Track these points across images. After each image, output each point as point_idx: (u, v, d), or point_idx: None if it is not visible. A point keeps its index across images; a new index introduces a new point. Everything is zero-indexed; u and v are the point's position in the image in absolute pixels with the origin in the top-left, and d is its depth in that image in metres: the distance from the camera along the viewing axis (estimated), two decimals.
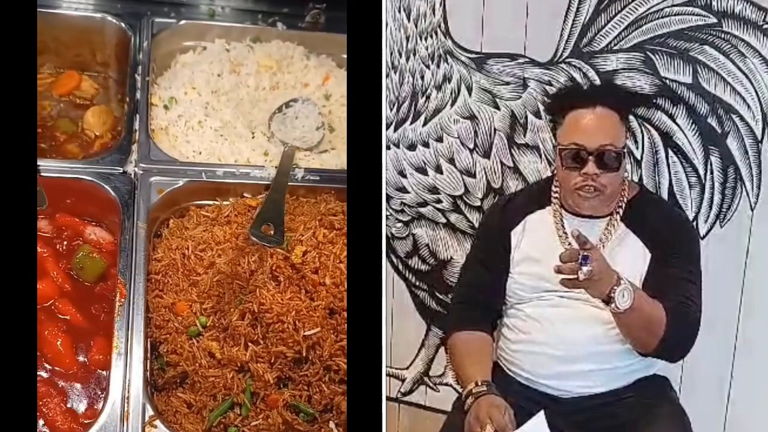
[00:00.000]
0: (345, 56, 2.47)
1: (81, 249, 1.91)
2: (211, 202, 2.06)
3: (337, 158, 2.21)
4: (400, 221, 2.23)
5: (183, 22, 2.44)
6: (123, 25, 2.36)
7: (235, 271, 1.84)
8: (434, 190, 2.17)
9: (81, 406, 1.71)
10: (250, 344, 1.76)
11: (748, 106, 1.88)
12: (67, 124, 2.23)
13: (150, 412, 1.66)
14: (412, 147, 2.15)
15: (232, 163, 2.14)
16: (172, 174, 2.05)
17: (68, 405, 1.70)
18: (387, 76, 2.10)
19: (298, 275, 1.81)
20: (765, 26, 1.82)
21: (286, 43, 2.47)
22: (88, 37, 2.37)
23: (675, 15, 1.89)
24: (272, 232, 1.77)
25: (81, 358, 1.77)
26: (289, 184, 2.01)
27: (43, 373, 1.72)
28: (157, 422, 1.66)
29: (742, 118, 1.89)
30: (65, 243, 1.95)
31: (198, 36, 2.45)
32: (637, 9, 1.91)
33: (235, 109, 2.29)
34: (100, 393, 1.72)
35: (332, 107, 2.38)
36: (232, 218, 2.00)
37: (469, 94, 2.09)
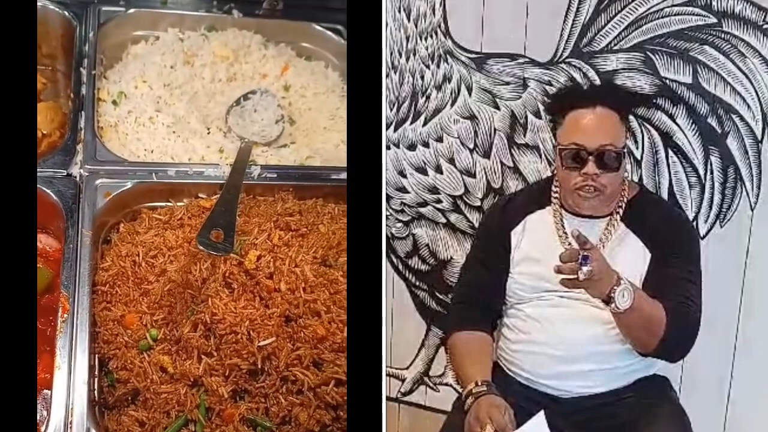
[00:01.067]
0: (304, 44, 2.43)
1: None
2: (164, 204, 1.95)
3: (296, 153, 2.14)
4: (400, 221, 2.23)
5: (132, 10, 2.31)
6: (67, 14, 2.22)
7: (186, 280, 1.74)
8: (434, 190, 2.17)
9: None
10: (203, 357, 1.67)
11: (748, 106, 1.88)
12: None
13: None
14: (412, 147, 2.15)
15: (186, 161, 2.02)
16: (120, 175, 1.91)
17: None
18: (387, 76, 2.10)
19: (252, 282, 1.72)
20: (765, 26, 1.82)
21: (243, 32, 2.37)
22: None
23: (675, 15, 1.89)
24: (222, 238, 1.67)
25: None
26: (243, 182, 1.92)
27: None
28: None
29: (742, 118, 1.89)
30: None
31: (150, 25, 2.33)
32: (637, 9, 1.91)
33: (189, 103, 2.18)
34: (46, 415, 1.56)
35: (292, 99, 2.30)
36: (186, 221, 1.89)
37: (469, 94, 2.09)
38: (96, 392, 1.65)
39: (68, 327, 1.64)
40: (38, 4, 2.19)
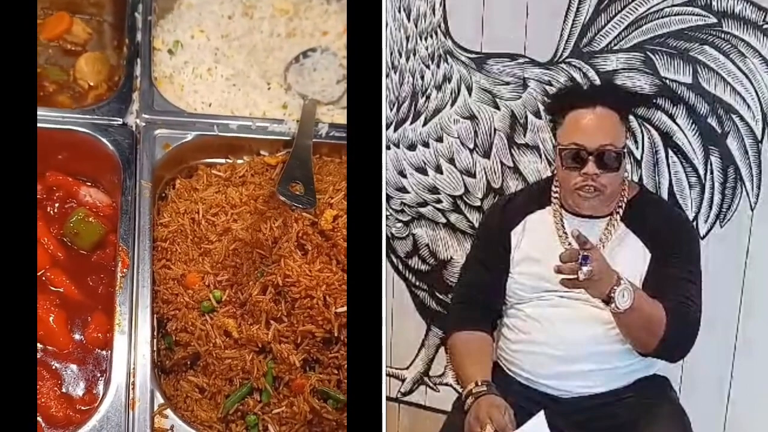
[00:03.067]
0: None
1: (75, 212, 1.68)
2: (222, 161, 1.85)
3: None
4: (400, 221, 2.23)
5: None
6: None
7: (256, 239, 1.62)
8: (434, 190, 2.17)
9: (78, 391, 1.50)
10: (272, 322, 1.57)
11: (748, 106, 1.88)
12: (56, 72, 1.97)
13: (159, 399, 1.47)
14: (412, 147, 2.15)
15: (247, 116, 1.92)
16: (180, 127, 1.82)
17: (63, 389, 1.49)
18: (387, 76, 2.10)
19: (328, 243, 1.61)
20: (765, 26, 1.82)
21: None
22: None
23: (675, 15, 1.89)
24: (302, 192, 1.57)
25: (77, 336, 1.56)
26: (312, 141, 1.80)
27: None
28: (168, 411, 1.47)
29: (742, 118, 1.89)
30: (57, 205, 1.72)
31: None
32: (637, 9, 1.91)
33: (248, 56, 2.07)
34: (99, 376, 1.51)
35: None
36: (249, 179, 1.79)
37: (469, 94, 2.09)
38: (155, 354, 1.57)
39: (128, 283, 1.56)
40: None
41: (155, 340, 1.58)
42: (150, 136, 1.79)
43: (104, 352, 1.53)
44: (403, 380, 2.36)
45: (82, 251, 1.69)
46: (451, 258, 2.21)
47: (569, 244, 1.73)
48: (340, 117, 1.99)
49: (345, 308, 1.55)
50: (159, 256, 1.68)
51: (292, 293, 1.57)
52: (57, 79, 1.96)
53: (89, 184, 1.77)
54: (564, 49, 1.99)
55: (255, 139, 1.87)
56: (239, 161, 1.85)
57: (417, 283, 2.28)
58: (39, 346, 1.52)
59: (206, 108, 1.96)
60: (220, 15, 2.14)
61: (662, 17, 1.90)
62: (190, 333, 1.59)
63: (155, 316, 1.60)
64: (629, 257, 1.73)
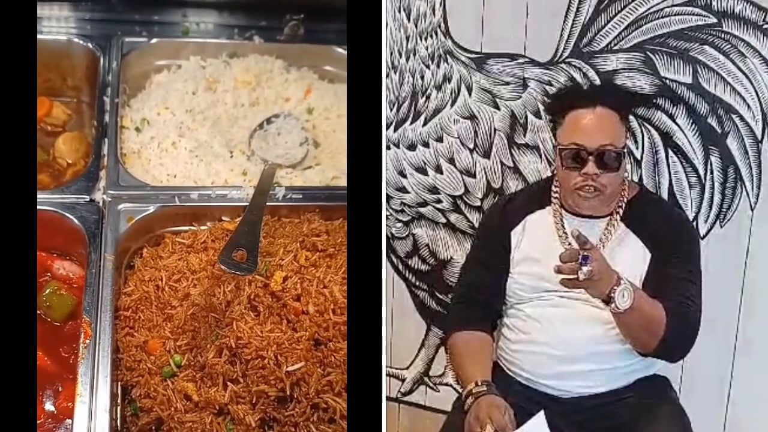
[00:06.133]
0: (327, 68, 2.42)
1: (48, 285, 1.76)
2: (188, 228, 1.92)
3: (321, 174, 2.11)
4: (400, 221, 2.23)
5: (155, 40, 2.33)
6: (91, 45, 2.25)
7: (210, 303, 1.69)
8: (434, 190, 2.17)
9: None
10: (229, 383, 1.61)
11: (748, 106, 1.88)
12: (37, 153, 2.04)
13: None
14: (412, 147, 2.15)
15: (209, 185, 2.02)
16: (143, 200, 1.91)
17: None
18: (387, 76, 2.10)
19: (278, 304, 1.67)
20: (765, 26, 1.82)
21: (265, 57, 2.37)
22: (57, 61, 2.26)
23: (675, 15, 1.89)
24: (245, 258, 1.63)
25: (48, 407, 1.61)
26: (268, 204, 1.88)
27: None
28: None
29: (742, 118, 1.89)
30: None
31: (172, 54, 2.35)
32: (637, 9, 1.91)
33: (211, 127, 2.18)
34: None
35: (316, 121, 2.28)
36: (209, 244, 1.85)
37: (469, 94, 2.09)
38: (119, 421, 1.62)
39: (90, 353, 1.61)
40: (63, 37, 2.26)
41: (118, 408, 1.63)
42: (114, 211, 1.88)
43: (72, 421, 1.55)
44: (403, 380, 2.36)
45: (56, 323, 1.75)
46: (451, 258, 2.21)
47: (569, 244, 1.73)
48: (298, 180, 2.08)
49: (297, 366, 1.60)
50: (122, 324, 1.73)
51: (244, 354, 1.62)
52: (39, 159, 2.05)
53: (63, 257, 1.85)
54: (564, 49, 1.99)
55: (215, 207, 1.96)
56: (203, 228, 1.93)
57: (417, 283, 2.28)
58: None
59: (171, 179, 2.04)
60: (185, 92, 2.24)
61: (662, 17, 1.90)
62: (153, 398, 1.63)
63: (119, 383, 1.66)
64: (629, 257, 1.73)
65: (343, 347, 1.63)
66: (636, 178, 1.98)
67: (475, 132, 2.10)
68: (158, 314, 1.75)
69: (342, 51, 2.41)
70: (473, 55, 2.08)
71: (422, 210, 2.20)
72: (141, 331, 1.73)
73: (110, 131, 2.06)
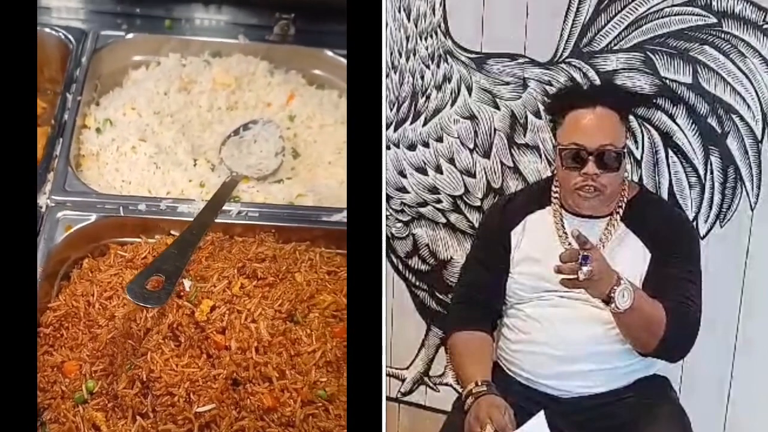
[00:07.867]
0: (316, 72, 2.31)
1: None
2: (136, 240, 1.80)
3: (286, 191, 1.99)
4: (400, 221, 2.23)
5: (132, 35, 2.22)
6: (63, 37, 2.13)
7: (128, 329, 1.57)
8: (434, 190, 2.17)
9: None
10: (138, 417, 1.48)
11: (748, 106, 1.88)
12: None
13: None
14: (412, 147, 2.15)
15: (163, 195, 1.88)
16: (86, 208, 1.79)
17: None
18: (387, 76, 2.10)
19: (201, 335, 1.55)
20: (765, 26, 1.82)
21: (248, 57, 2.25)
22: None
23: (675, 15, 1.89)
24: (162, 286, 1.50)
25: None
26: (221, 221, 1.77)
27: None
28: None
29: (742, 118, 1.89)
30: None
31: (151, 50, 2.23)
32: (637, 9, 1.91)
33: (178, 132, 2.05)
34: None
35: (297, 129, 2.16)
36: (150, 260, 1.70)
37: (469, 94, 2.09)
38: None
39: None
40: (37, 28, 2.09)
41: None
42: (52, 218, 1.76)
43: None
44: (403, 380, 2.36)
45: None
46: (451, 258, 2.21)
47: (569, 244, 1.73)
48: (260, 195, 1.95)
49: (207, 408, 1.48)
50: (42, 342, 1.63)
51: (154, 389, 1.51)
52: None
53: None
54: (564, 49, 1.99)
55: (163, 220, 1.82)
56: (151, 240, 1.80)
57: (417, 283, 2.28)
58: None
59: (126, 186, 1.93)
60: (155, 91, 2.12)
61: (662, 17, 1.90)
62: (62, 425, 1.53)
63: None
64: (629, 257, 1.73)
65: (260, 391, 1.51)
66: (636, 178, 1.98)
67: (475, 132, 2.10)
68: (85, 332, 1.64)
69: (333, 54, 2.31)
70: (473, 55, 2.08)
71: (422, 210, 2.20)
72: (62, 350, 1.62)
73: (66, 131, 1.94)
